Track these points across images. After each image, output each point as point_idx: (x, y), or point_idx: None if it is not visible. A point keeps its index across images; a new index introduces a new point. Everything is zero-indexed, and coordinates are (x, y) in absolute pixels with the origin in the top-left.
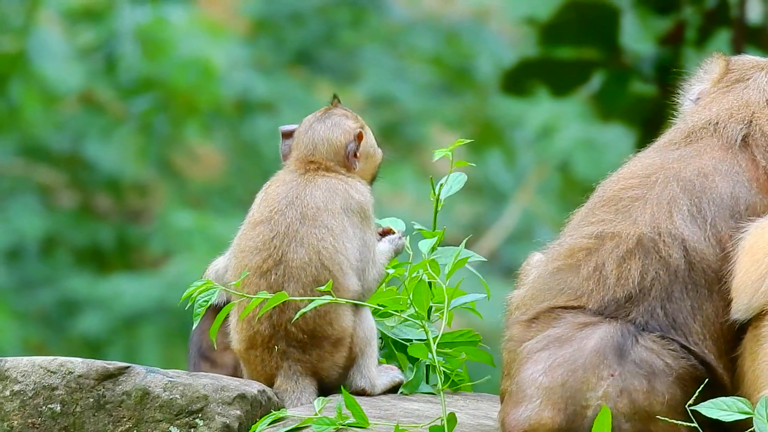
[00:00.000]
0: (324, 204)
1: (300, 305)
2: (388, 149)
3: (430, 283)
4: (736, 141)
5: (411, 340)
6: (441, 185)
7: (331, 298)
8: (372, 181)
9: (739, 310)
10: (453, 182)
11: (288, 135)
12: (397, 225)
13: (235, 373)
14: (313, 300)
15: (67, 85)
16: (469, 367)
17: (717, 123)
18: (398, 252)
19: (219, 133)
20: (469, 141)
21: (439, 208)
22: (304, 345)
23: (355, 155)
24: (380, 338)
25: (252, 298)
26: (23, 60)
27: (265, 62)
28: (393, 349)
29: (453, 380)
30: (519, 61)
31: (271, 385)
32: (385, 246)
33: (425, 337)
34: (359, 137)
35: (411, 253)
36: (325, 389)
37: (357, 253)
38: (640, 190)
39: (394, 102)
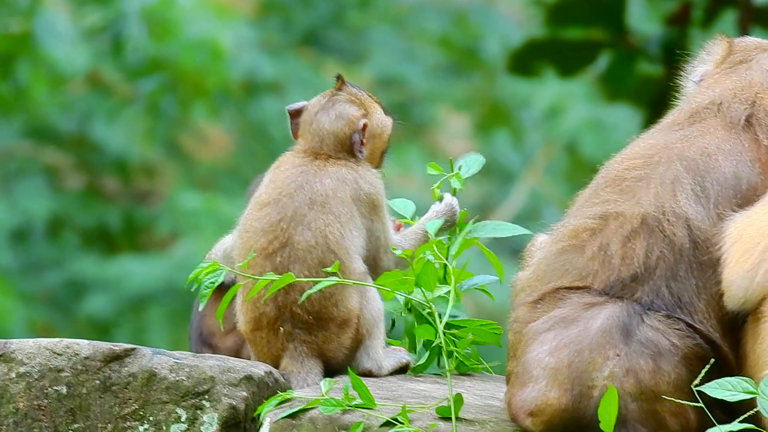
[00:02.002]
0: (333, 192)
1: (305, 287)
2: (396, 118)
3: (439, 265)
4: (739, 121)
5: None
6: (460, 167)
7: (337, 279)
8: (382, 155)
9: (735, 302)
10: (471, 163)
11: (295, 114)
12: (406, 206)
13: (237, 357)
14: (319, 281)
15: (73, 67)
16: (478, 349)
17: (721, 103)
18: (450, 221)
19: (226, 115)
20: (435, 173)
21: (459, 191)
22: (310, 326)
23: (362, 143)
24: (392, 319)
25: (258, 279)
26: (30, 41)
27: (272, 43)
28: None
29: (461, 361)
30: (526, 42)
31: (277, 366)
32: (432, 218)
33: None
34: (364, 128)
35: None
36: (331, 371)
37: (363, 241)
38: (644, 170)
39: (402, 83)
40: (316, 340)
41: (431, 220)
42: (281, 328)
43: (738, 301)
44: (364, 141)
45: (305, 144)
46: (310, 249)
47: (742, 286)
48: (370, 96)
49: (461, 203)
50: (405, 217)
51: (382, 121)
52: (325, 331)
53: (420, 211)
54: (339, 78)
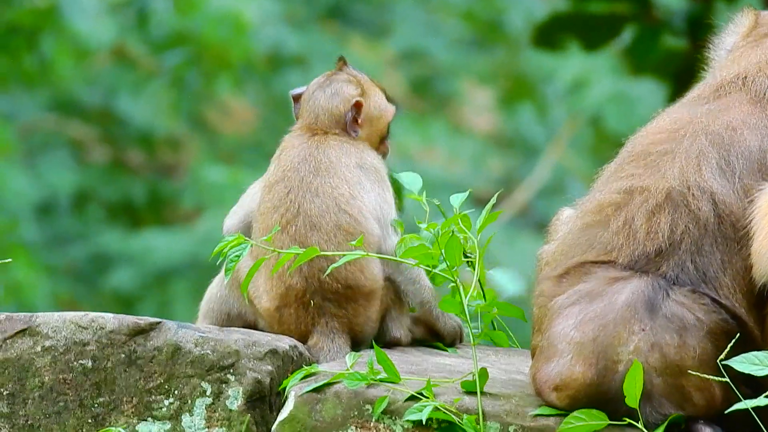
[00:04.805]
0: (338, 159)
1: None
2: (406, 104)
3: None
4: (765, 95)
5: None
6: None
7: (362, 252)
8: (382, 141)
9: (763, 275)
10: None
11: (298, 98)
12: (414, 180)
13: None
14: (340, 254)
15: (98, 40)
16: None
17: (746, 77)
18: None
19: (250, 88)
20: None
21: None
22: (339, 297)
23: (354, 121)
24: None
25: (282, 252)
26: (55, 15)
27: (296, 16)
28: None
29: (485, 333)
30: (550, 15)
31: (303, 342)
32: None
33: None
34: (357, 105)
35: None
36: (356, 344)
37: (375, 203)
38: (669, 144)
39: (425, 56)
40: (347, 313)
41: None
42: (311, 301)
43: (766, 273)
44: (359, 121)
45: (302, 122)
46: (323, 213)
47: None
48: (372, 80)
49: (484, 177)
50: (412, 192)
51: (380, 105)
52: (354, 303)
53: (434, 186)
54: (340, 59)
